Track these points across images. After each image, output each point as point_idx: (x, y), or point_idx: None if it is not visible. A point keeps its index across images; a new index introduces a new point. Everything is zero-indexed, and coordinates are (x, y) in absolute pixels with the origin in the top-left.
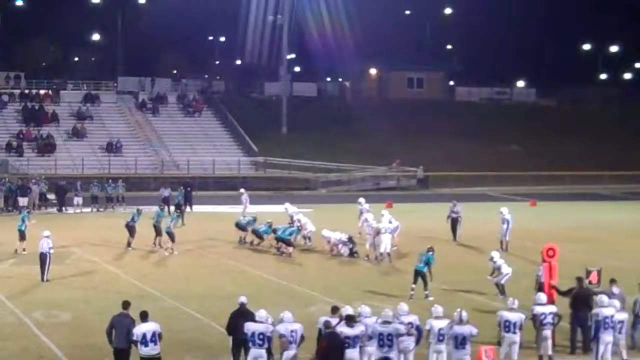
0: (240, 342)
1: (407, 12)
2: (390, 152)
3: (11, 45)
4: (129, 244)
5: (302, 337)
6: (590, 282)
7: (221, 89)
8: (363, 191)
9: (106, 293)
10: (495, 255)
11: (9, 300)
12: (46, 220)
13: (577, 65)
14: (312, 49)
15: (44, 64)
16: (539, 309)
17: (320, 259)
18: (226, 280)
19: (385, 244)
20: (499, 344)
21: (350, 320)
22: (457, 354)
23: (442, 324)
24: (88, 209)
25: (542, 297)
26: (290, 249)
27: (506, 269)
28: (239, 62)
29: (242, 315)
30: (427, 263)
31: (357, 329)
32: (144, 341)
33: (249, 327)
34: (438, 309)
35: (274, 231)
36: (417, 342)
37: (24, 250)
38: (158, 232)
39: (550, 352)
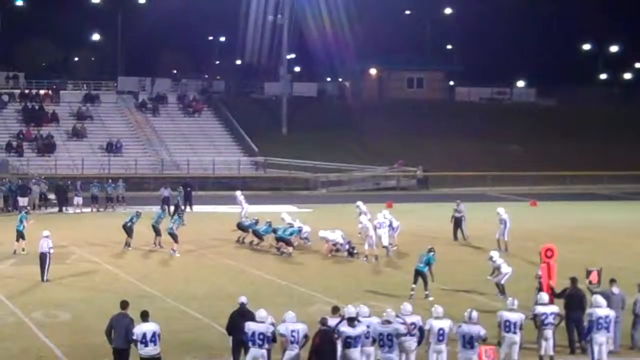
0: (241, 342)
1: (407, 12)
2: (390, 152)
3: (11, 45)
4: (128, 245)
5: (306, 337)
6: (590, 282)
7: (221, 89)
8: (363, 191)
9: (106, 293)
10: (495, 254)
11: (8, 301)
12: (46, 220)
13: (577, 65)
14: (312, 49)
15: (44, 63)
16: (540, 309)
17: (320, 259)
18: (226, 280)
19: (384, 238)
20: (499, 344)
21: (352, 320)
22: (465, 353)
23: (442, 324)
24: (88, 209)
25: (544, 297)
26: (290, 249)
27: (506, 269)
28: (239, 62)
29: (242, 315)
30: (428, 263)
31: (359, 329)
32: (144, 341)
33: (249, 326)
34: (438, 309)
35: (274, 231)
36: (420, 342)
37: (23, 250)
38: (157, 232)
39: (551, 352)
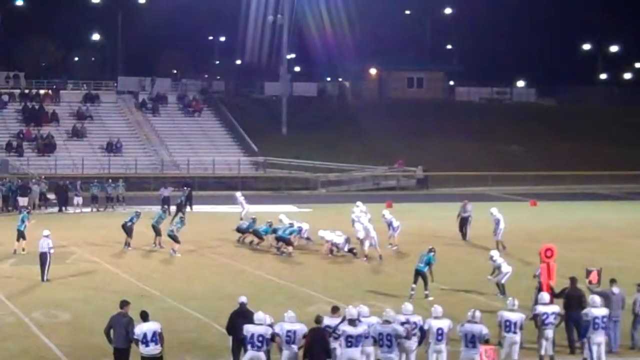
0: (240, 342)
1: (407, 11)
2: (390, 152)
3: (11, 45)
4: (127, 244)
5: (305, 337)
6: (590, 282)
7: (221, 88)
8: (363, 191)
9: (106, 293)
10: (495, 254)
11: (8, 300)
12: (46, 220)
13: (577, 65)
14: (312, 49)
15: (43, 63)
16: (541, 309)
17: (320, 259)
18: (226, 280)
19: (359, 233)
20: (499, 344)
21: (353, 320)
22: (467, 353)
23: (442, 323)
24: (88, 209)
25: (545, 296)
26: (290, 249)
27: (506, 268)
28: (239, 62)
29: (242, 315)
30: (428, 263)
31: (360, 328)
32: (145, 341)
33: (248, 328)
34: (438, 309)
35: (274, 231)
36: (420, 342)
37: (23, 250)
38: (158, 232)
39: (551, 352)
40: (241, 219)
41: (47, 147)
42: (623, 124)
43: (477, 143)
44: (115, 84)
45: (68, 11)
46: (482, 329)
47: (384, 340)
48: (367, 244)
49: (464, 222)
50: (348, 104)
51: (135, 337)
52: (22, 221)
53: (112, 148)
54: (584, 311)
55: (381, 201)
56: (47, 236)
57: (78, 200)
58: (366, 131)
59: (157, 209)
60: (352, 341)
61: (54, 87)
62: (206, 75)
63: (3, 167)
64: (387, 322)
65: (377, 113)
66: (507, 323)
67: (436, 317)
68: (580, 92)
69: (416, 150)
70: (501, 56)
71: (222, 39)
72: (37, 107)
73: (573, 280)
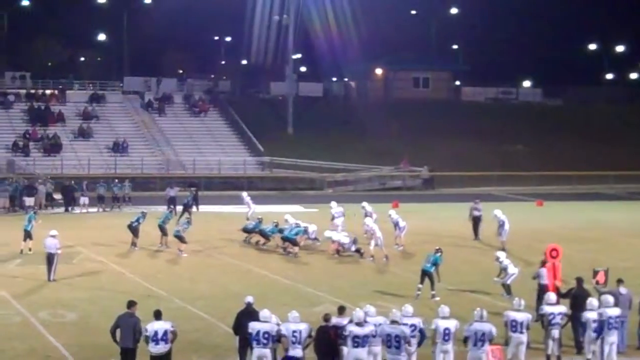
0: (247, 342)
1: (413, 11)
2: (396, 152)
3: (17, 45)
4: (134, 245)
5: (310, 337)
6: (597, 283)
7: (227, 88)
8: (369, 191)
9: (112, 293)
10: (502, 255)
11: (15, 300)
12: (53, 220)
13: (583, 65)
14: (318, 49)
15: (49, 64)
16: (548, 309)
17: (326, 259)
18: (232, 280)
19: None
20: (506, 343)
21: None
22: (475, 352)
23: (448, 323)
24: (94, 209)
25: (552, 296)
26: (296, 249)
27: (512, 269)
28: (245, 62)
29: (248, 314)
30: (435, 263)
31: (367, 329)
32: (155, 339)
33: (254, 326)
34: (445, 309)
35: (280, 231)
36: (420, 343)
37: (29, 250)
38: (164, 232)
39: (557, 352)
40: (247, 219)
41: (53, 147)
42: (629, 123)
43: (483, 143)
44: (121, 84)
45: (74, 11)
46: (492, 328)
47: (392, 342)
48: (372, 244)
49: (476, 222)
50: (354, 104)
51: (146, 333)
52: (29, 221)
53: (118, 148)
54: (598, 311)
55: (387, 201)
56: (54, 236)
57: (84, 200)
58: (372, 131)
59: (163, 209)
60: (358, 341)
61: (60, 87)
62: (212, 75)
63: (9, 167)
64: (396, 322)
65: (382, 113)
66: (514, 323)
67: (443, 317)
68: (586, 92)
69: (422, 150)
70: (507, 56)
71: (228, 39)
72: (43, 107)
73: (579, 280)
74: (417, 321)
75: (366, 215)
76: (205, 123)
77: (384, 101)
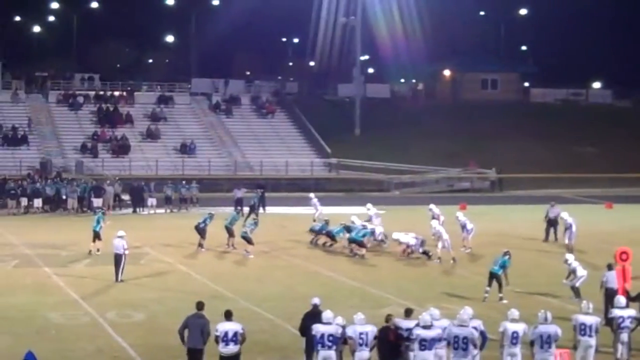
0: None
1: (482, 12)
2: (463, 154)
3: (86, 47)
4: (201, 246)
5: (376, 339)
6: None
7: (294, 90)
8: (436, 193)
9: (179, 293)
10: (570, 257)
11: (83, 301)
12: (120, 220)
13: None
14: (385, 51)
15: (118, 65)
16: (617, 312)
17: (392, 261)
18: (299, 281)
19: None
20: (574, 347)
21: (427, 325)
22: (542, 354)
23: (517, 327)
24: (162, 210)
25: (622, 300)
26: (363, 251)
27: (581, 272)
28: (312, 63)
29: (315, 316)
30: (503, 266)
31: (434, 332)
32: (225, 339)
33: (318, 329)
34: (514, 312)
35: (348, 231)
36: (482, 346)
37: (98, 250)
38: (230, 233)
39: (627, 356)
40: (314, 220)
41: (121, 148)
42: None
43: (552, 145)
44: (189, 86)
45: (142, 13)
46: (557, 330)
47: (460, 343)
48: (440, 246)
49: (552, 224)
50: (421, 105)
51: (216, 333)
52: (98, 222)
53: (186, 149)
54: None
55: (455, 203)
56: (121, 237)
57: (152, 201)
58: (440, 133)
59: (230, 210)
60: (425, 344)
61: (129, 88)
62: (279, 77)
63: (78, 168)
64: (463, 325)
65: (450, 114)
66: (582, 326)
67: (512, 320)
68: None
69: (490, 152)
70: (576, 57)
71: (296, 40)
72: (111, 108)
73: None
74: (478, 323)
75: (433, 218)
76: (273, 124)
77: (452, 103)
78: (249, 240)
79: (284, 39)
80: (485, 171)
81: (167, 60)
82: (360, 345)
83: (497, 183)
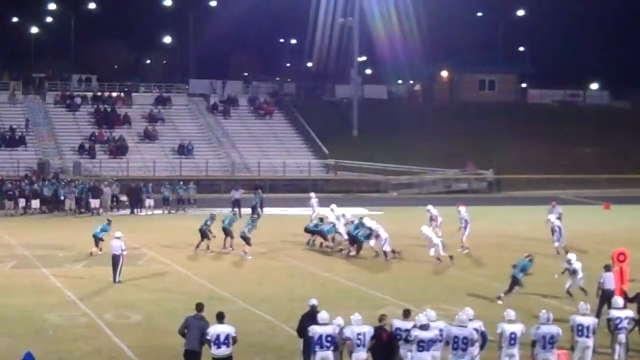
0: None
1: (479, 13)
2: (461, 155)
3: (84, 48)
4: (207, 247)
5: (373, 340)
6: None
7: (292, 91)
8: (434, 194)
9: (177, 294)
10: (573, 257)
11: (81, 302)
12: (118, 221)
13: None
14: (383, 52)
15: (116, 66)
16: (614, 313)
17: (389, 262)
18: (297, 282)
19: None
20: (572, 348)
21: (425, 325)
22: (545, 354)
23: (515, 328)
24: (159, 211)
25: (619, 301)
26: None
27: (580, 274)
28: (309, 64)
29: (312, 317)
30: (524, 269)
31: (432, 332)
32: (217, 342)
33: (315, 330)
34: (510, 313)
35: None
36: (482, 347)
37: (100, 250)
38: (229, 234)
39: (624, 357)
40: (311, 220)
41: (119, 149)
42: None
43: (550, 146)
44: (187, 87)
45: (140, 14)
46: (559, 330)
47: (459, 344)
48: (432, 252)
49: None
50: (419, 106)
51: (208, 337)
52: (102, 231)
53: (184, 150)
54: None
55: (452, 204)
56: (119, 238)
57: (150, 202)
58: (437, 134)
59: (227, 211)
60: (424, 345)
61: (126, 89)
62: (277, 78)
63: (75, 169)
64: (462, 326)
65: (448, 115)
66: (580, 327)
67: (509, 321)
68: None
69: (488, 153)
70: (574, 58)
71: (293, 41)
72: (109, 109)
73: None
74: (479, 324)
75: (431, 219)
76: (270, 125)
77: (450, 104)
78: (247, 241)
79: (282, 40)
80: (482, 172)
81: (164, 61)
82: (358, 345)
83: (494, 184)
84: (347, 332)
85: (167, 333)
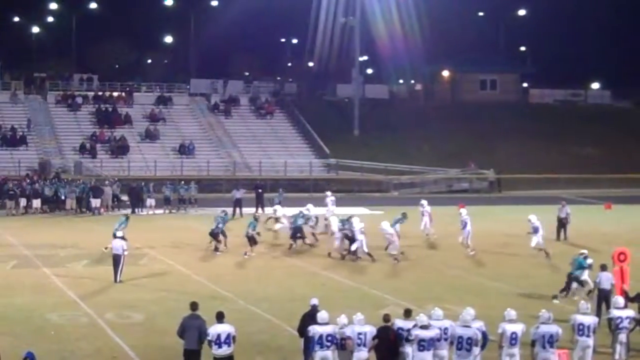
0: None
1: (480, 13)
2: (462, 155)
3: (85, 48)
4: (216, 249)
5: (375, 340)
6: None
7: (293, 91)
8: (435, 193)
9: (178, 294)
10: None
11: (82, 301)
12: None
13: None
14: (384, 51)
15: (117, 66)
16: (615, 313)
17: (390, 261)
18: (298, 282)
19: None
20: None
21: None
22: (545, 354)
23: (516, 327)
24: (160, 211)
25: (620, 300)
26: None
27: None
28: (311, 64)
29: (313, 317)
30: (581, 267)
31: (432, 332)
32: (218, 342)
33: (315, 330)
34: (511, 313)
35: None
36: (483, 347)
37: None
38: (223, 234)
39: (625, 356)
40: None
41: (120, 149)
42: None
43: (551, 145)
44: (188, 86)
45: (141, 14)
46: (558, 330)
47: (464, 344)
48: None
49: (562, 224)
50: (420, 106)
51: (209, 337)
52: (121, 224)
53: (185, 150)
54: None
55: (454, 204)
56: (121, 237)
57: (151, 201)
58: (438, 133)
59: (229, 210)
60: (424, 345)
61: (127, 89)
62: (278, 78)
63: (77, 168)
64: (467, 326)
65: (449, 115)
66: (581, 326)
67: (510, 321)
68: None
69: (489, 152)
70: (575, 58)
71: (294, 41)
72: (110, 109)
73: None
74: (480, 324)
75: (423, 215)
76: (272, 125)
77: (451, 103)
78: (252, 240)
79: (283, 40)
80: (484, 172)
81: (166, 61)
82: (359, 345)
83: (495, 183)
84: (348, 331)
85: (168, 333)
